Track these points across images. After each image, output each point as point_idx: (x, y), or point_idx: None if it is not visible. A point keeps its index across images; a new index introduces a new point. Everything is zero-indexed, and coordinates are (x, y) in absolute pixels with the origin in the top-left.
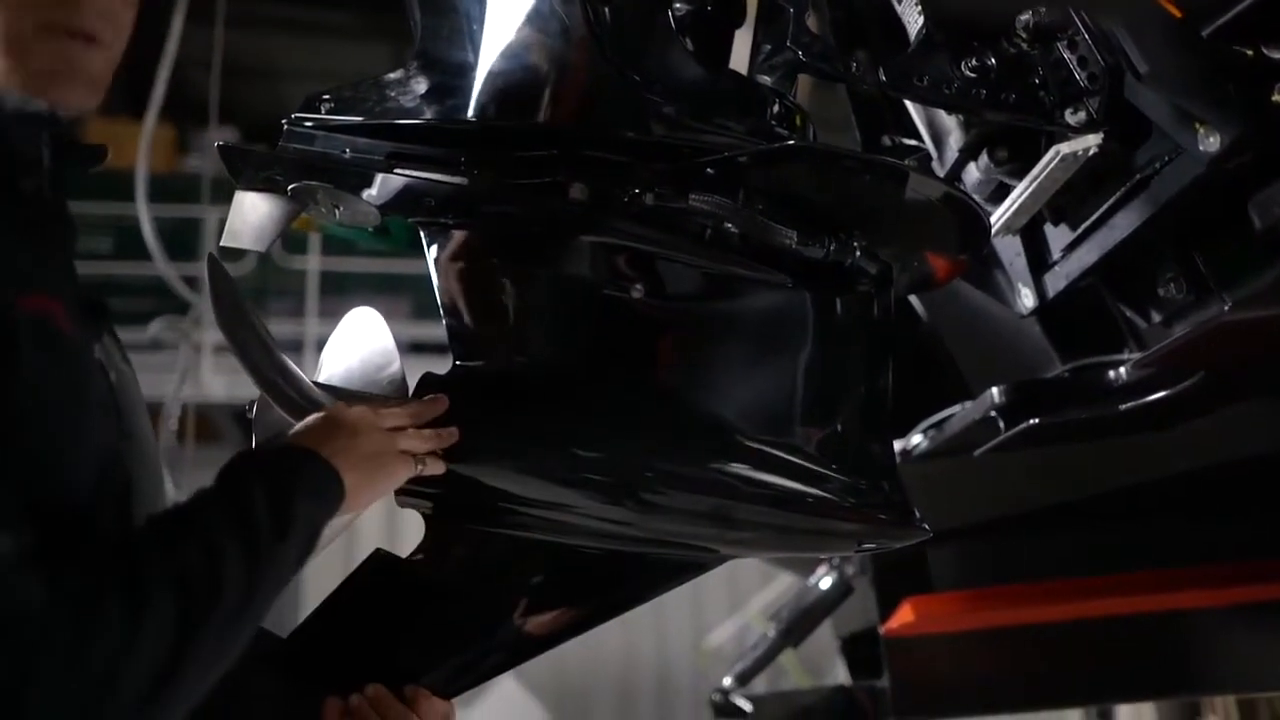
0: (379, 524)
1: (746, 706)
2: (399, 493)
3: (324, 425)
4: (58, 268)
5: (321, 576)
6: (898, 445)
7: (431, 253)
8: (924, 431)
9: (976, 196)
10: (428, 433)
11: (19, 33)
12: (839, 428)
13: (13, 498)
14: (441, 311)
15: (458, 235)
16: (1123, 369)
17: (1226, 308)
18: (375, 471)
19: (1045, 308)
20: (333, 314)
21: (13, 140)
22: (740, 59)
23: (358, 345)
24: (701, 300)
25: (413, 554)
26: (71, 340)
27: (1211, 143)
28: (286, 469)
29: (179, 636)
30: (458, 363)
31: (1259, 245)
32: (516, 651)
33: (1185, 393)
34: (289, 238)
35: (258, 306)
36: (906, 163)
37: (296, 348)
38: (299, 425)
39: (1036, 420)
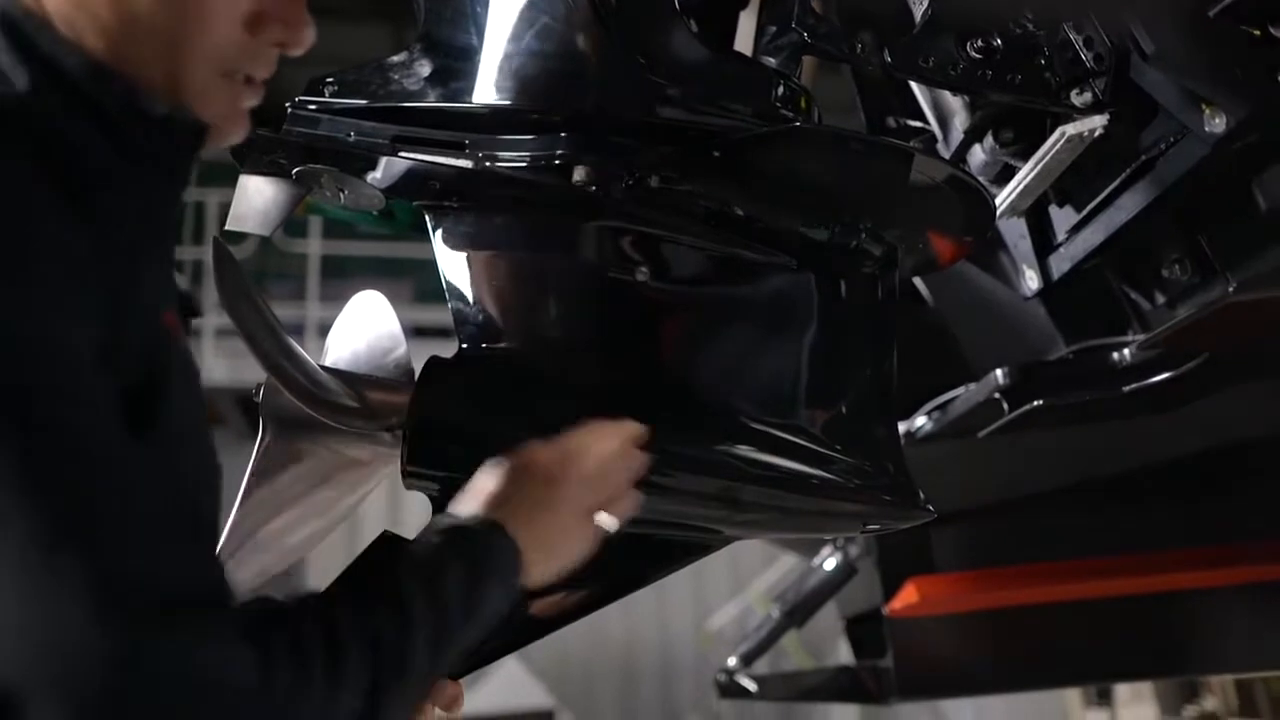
0: (382, 506)
1: (751, 687)
2: (405, 474)
3: (518, 484)
4: (169, 275)
5: (326, 559)
6: (902, 427)
7: (437, 236)
8: (929, 413)
9: (982, 178)
10: (622, 483)
11: (198, 81)
12: (844, 409)
13: (203, 555)
14: (447, 295)
15: (463, 218)
16: (1127, 351)
17: (1231, 289)
18: (558, 550)
19: (1050, 290)
20: (334, 298)
21: (157, 149)
22: (745, 41)
23: (363, 329)
24: (706, 282)
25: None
26: (190, 358)
27: (1218, 124)
28: (482, 548)
29: (368, 706)
30: (464, 346)
31: (1264, 226)
32: (521, 633)
33: (1189, 374)
34: (290, 221)
35: (259, 290)
36: (911, 144)
37: (298, 331)
38: (494, 477)
39: (1040, 402)
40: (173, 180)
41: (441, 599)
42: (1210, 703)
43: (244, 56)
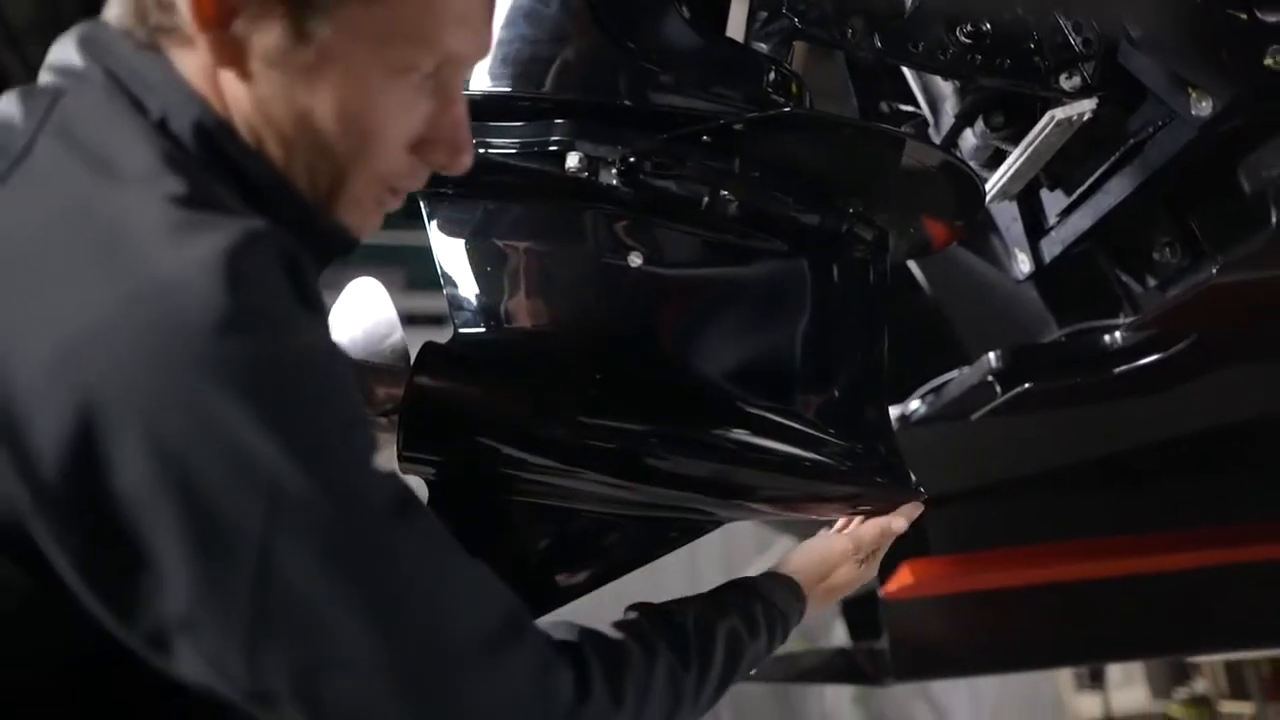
0: None
1: None
2: (401, 459)
3: (819, 578)
4: None
5: None
6: (896, 410)
7: (431, 222)
8: (922, 397)
9: (973, 162)
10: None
11: (355, 193)
12: (836, 392)
13: (497, 587)
14: (441, 281)
15: (457, 204)
16: (1118, 333)
17: (1214, 270)
18: (830, 603)
19: (1042, 273)
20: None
21: (322, 254)
22: (737, 27)
23: (360, 316)
24: (699, 267)
25: None
26: None
27: (1204, 107)
28: (785, 622)
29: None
30: (459, 331)
31: (1247, 209)
32: None
33: (1177, 357)
34: None
35: None
36: (903, 129)
37: None
38: (809, 559)
39: (1030, 385)
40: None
41: (741, 654)
42: (1201, 685)
43: (403, 175)
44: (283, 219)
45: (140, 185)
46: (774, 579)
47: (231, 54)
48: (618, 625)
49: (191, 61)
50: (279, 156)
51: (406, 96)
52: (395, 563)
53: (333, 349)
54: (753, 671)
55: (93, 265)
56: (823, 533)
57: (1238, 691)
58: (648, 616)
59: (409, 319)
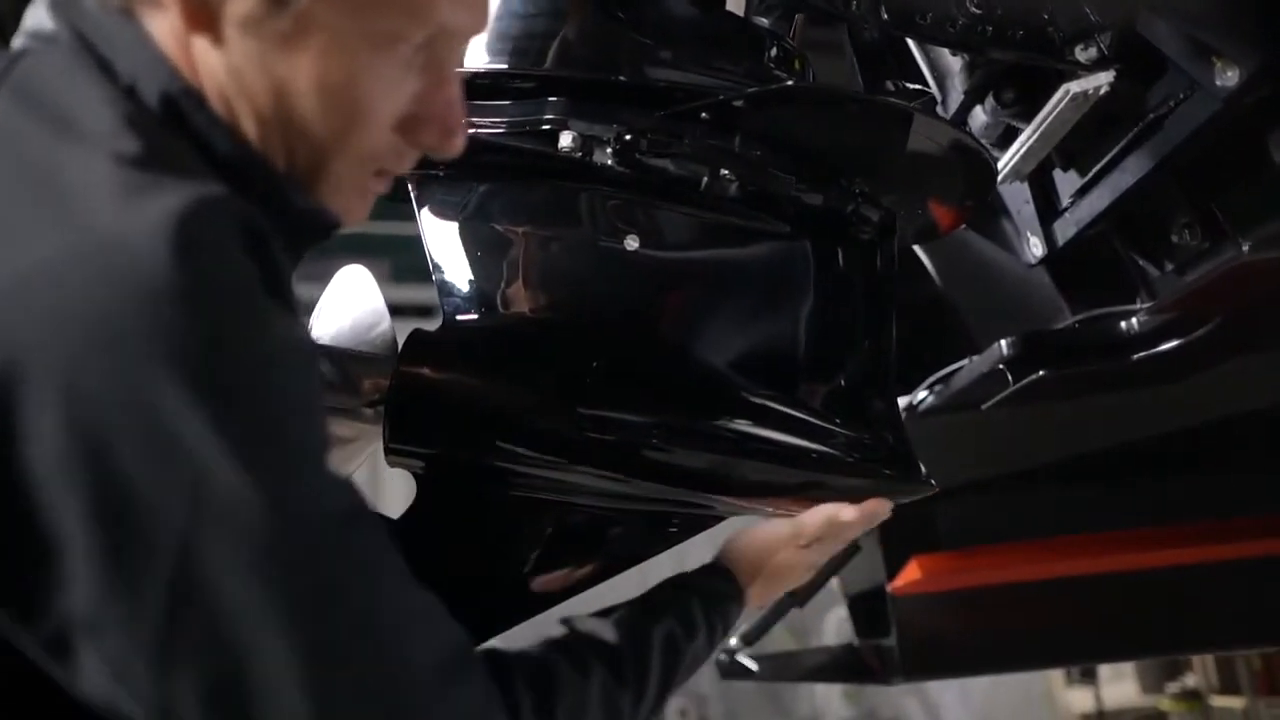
0: (362, 484)
1: (753, 667)
2: (388, 451)
3: (758, 566)
4: None
5: None
6: (905, 400)
7: (419, 205)
8: (930, 386)
9: (984, 140)
10: (829, 545)
11: (338, 174)
12: (842, 381)
13: (438, 611)
14: (430, 266)
15: (446, 186)
16: (1135, 319)
17: (1246, 249)
18: (773, 595)
19: (1055, 257)
20: (313, 276)
21: (290, 239)
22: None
23: (348, 305)
24: (698, 250)
25: (402, 516)
26: None
27: (1230, 77)
28: (724, 616)
29: None
30: (448, 318)
31: (1271, 185)
32: (505, 616)
33: (1199, 341)
34: None
35: None
36: (910, 106)
37: None
38: (747, 545)
39: (1043, 373)
40: (294, 269)
41: (679, 658)
42: (1192, 679)
43: (389, 156)
44: (253, 196)
45: (96, 143)
46: (712, 572)
47: (203, 18)
48: (549, 644)
49: (164, 27)
50: (254, 131)
51: (394, 71)
52: (333, 581)
53: (292, 337)
54: (695, 670)
55: (36, 219)
56: (765, 520)
57: (1229, 686)
58: (578, 633)
59: (395, 310)
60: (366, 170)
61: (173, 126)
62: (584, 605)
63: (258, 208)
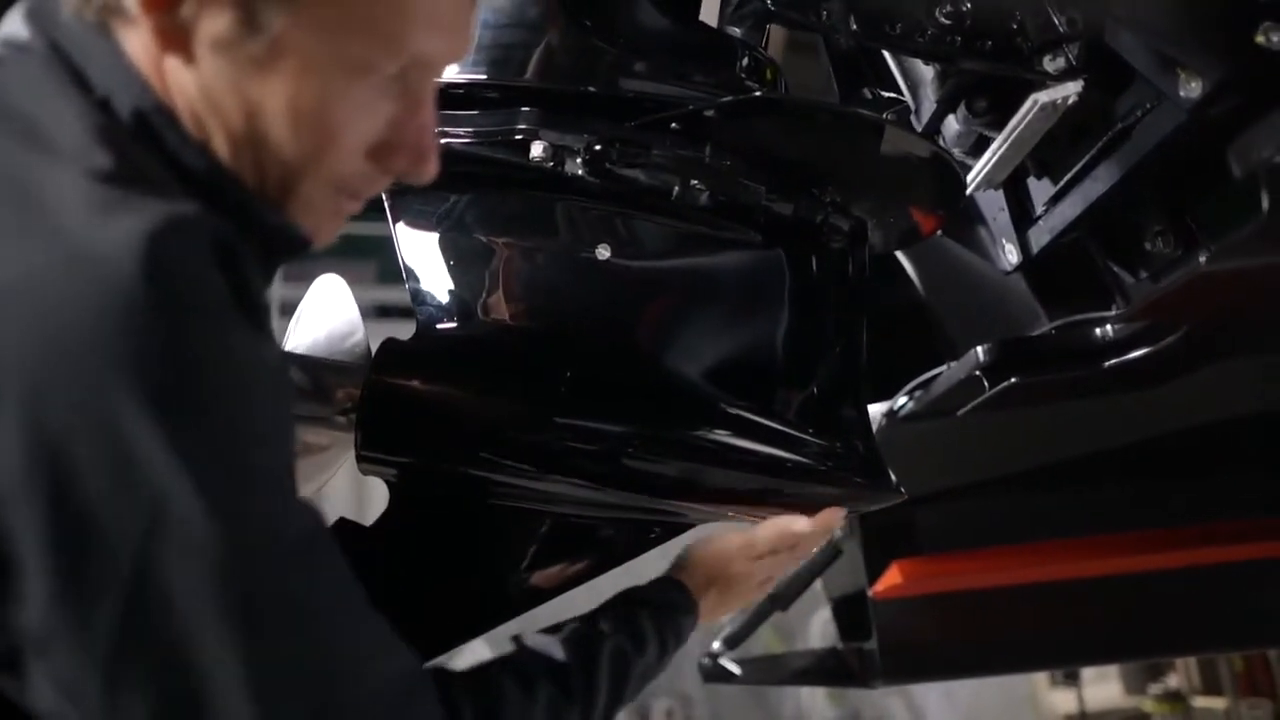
0: (344, 491)
1: (735, 670)
2: (360, 459)
3: (711, 579)
4: None
5: None
6: (885, 406)
7: (393, 214)
8: (910, 392)
9: (957, 149)
10: (785, 557)
11: (308, 194)
12: (814, 389)
13: (388, 634)
14: (404, 275)
15: (420, 196)
16: (1109, 326)
17: (1203, 260)
18: (728, 608)
19: (1032, 264)
20: (298, 277)
21: (263, 256)
22: (710, 10)
23: (324, 314)
24: (670, 259)
25: (376, 523)
26: None
27: (1193, 88)
28: (676, 629)
29: None
30: (421, 327)
31: (1238, 194)
32: (485, 618)
33: (1166, 350)
34: None
35: None
36: (884, 116)
37: None
38: (700, 558)
39: (1016, 379)
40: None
41: (628, 673)
42: (1174, 680)
43: (361, 180)
44: (224, 213)
45: (68, 157)
46: (665, 585)
47: (177, 39)
48: (496, 662)
49: (136, 42)
50: (225, 150)
51: (367, 97)
52: (289, 605)
53: (261, 355)
54: (647, 682)
55: (5, 233)
56: (719, 531)
57: (1211, 687)
58: (526, 650)
59: (382, 311)
60: (338, 193)
61: (145, 142)
62: (553, 611)
63: (229, 224)
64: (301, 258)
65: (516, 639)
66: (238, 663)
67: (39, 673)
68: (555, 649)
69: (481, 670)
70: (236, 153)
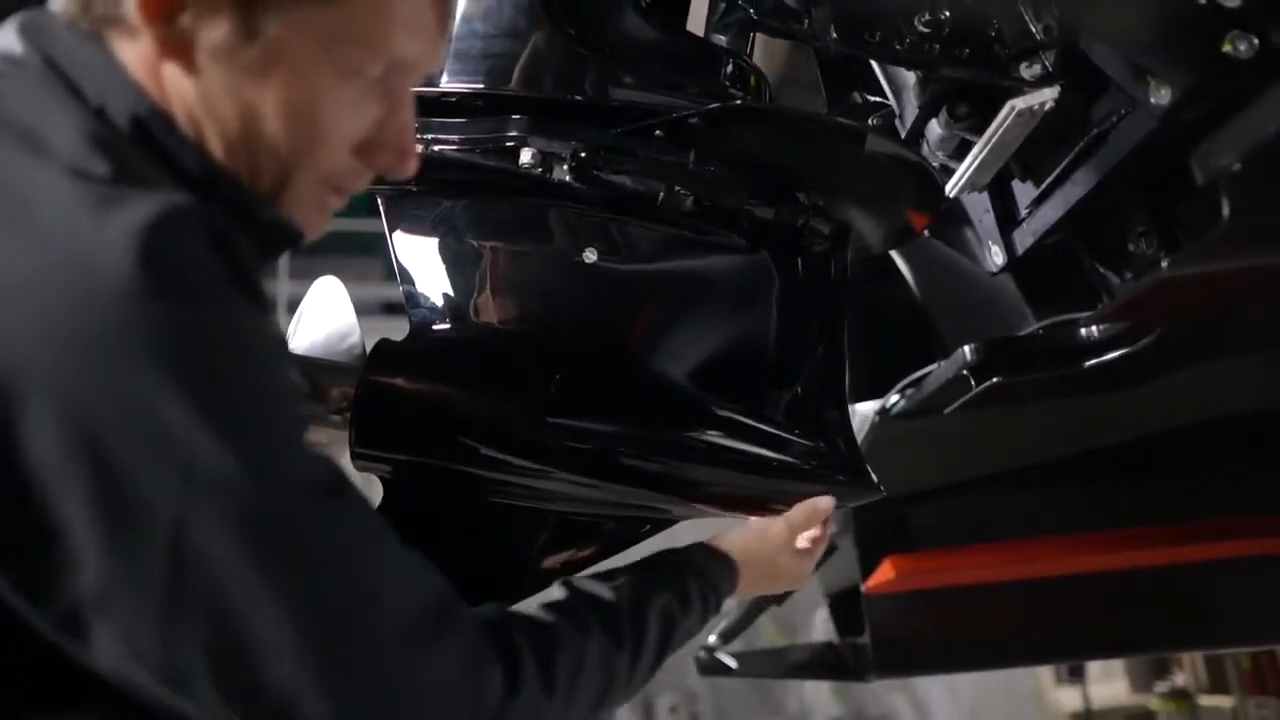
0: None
1: (731, 663)
2: (354, 456)
3: (761, 554)
4: None
5: None
6: (877, 404)
7: (389, 220)
8: (902, 390)
9: (940, 154)
10: (821, 536)
11: (303, 190)
12: (797, 390)
13: (420, 566)
14: (398, 278)
15: (413, 201)
16: (1093, 327)
17: (1165, 265)
18: (761, 588)
19: (1019, 264)
20: (304, 275)
21: (259, 251)
22: (697, 18)
23: (323, 316)
24: (655, 263)
25: None
26: None
27: (1163, 95)
28: (717, 597)
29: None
30: (414, 329)
31: (1201, 200)
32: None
33: (1141, 351)
34: None
35: None
36: (870, 121)
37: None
38: (750, 530)
39: (999, 379)
40: (264, 276)
41: (674, 631)
42: (1181, 678)
43: (347, 176)
44: (221, 208)
45: (65, 162)
46: (709, 551)
47: (177, 47)
48: (549, 606)
49: (133, 52)
50: (221, 151)
51: (354, 98)
52: (318, 545)
53: (262, 326)
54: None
55: (7, 236)
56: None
57: (1218, 685)
58: (579, 594)
59: (386, 308)
60: (326, 189)
61: (142, 146)
62: None
63: (225, 216)
64: (294, 251)
65: (566, 583)
66: (275, 604)
67: (101, 630)
68: (607, 595)
69: (533, 610)
70: (232, 153)
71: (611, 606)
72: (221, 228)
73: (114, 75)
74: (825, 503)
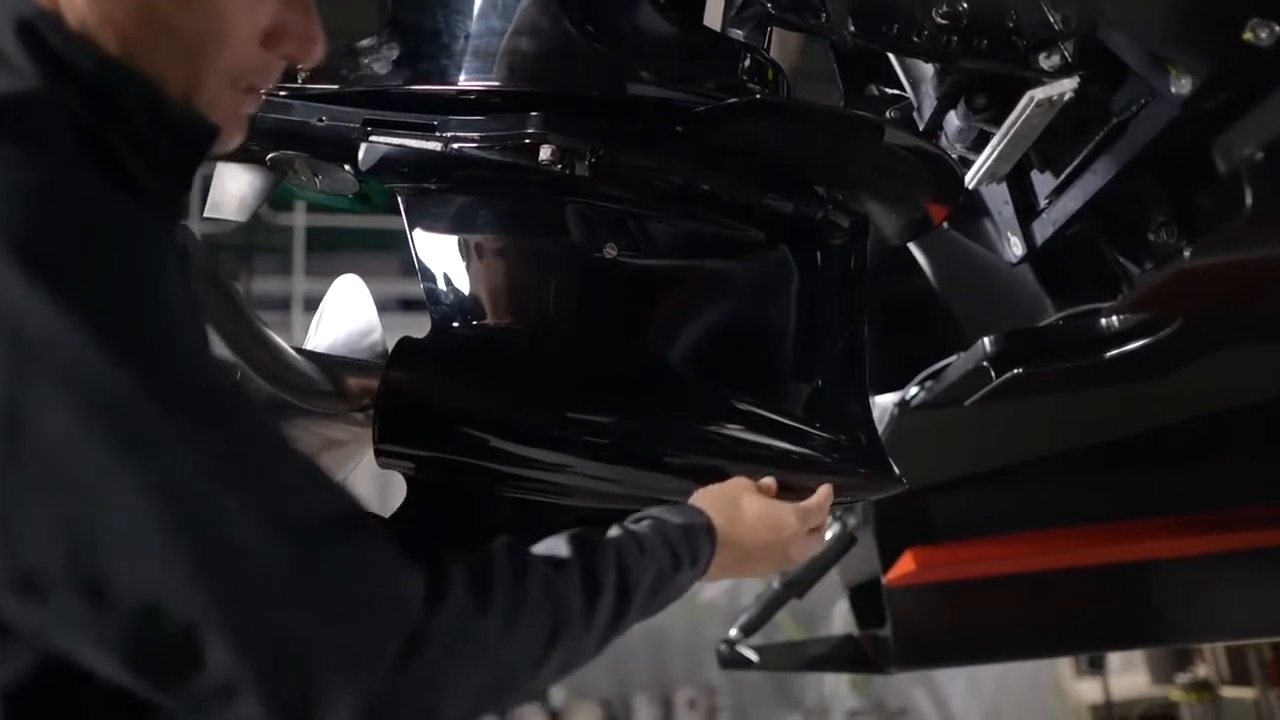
0: (366, 484)
1: (752, 657)
2: (378, 453)
3: (750, 519)
4: None
5: None
6: (896, 396)
7: (408, 216)
8: (922, 382)
9: (959, 145)
10: (809, 541)
11: (210, 90)
12: (818, 383)
13: (335, 485)
14: (419, 275)
15: (433, 199)
16: (1113, 317)
17: (1186, 255)
18: (744, 570)
19: (1036, 255)
20: (320, 272)
21: (172, 149)
22: (715, 14)
23: (344, 314)
24: (675, 258)
25: (394, 514)
26: None
27: (1183, 84)
28: (693, 551)
29: (541, 654)
30: (436, 325)
31: (1224, 189)
32: None
33: (1162, 342)
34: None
35: (245, 264)
36: (888, 114)
37: (284, 305)
38: (740, 498)
39: (1020, 370)
40: (182, 183)
41: (635, 581)
42: (1203, 670)
43: (256, 69)
44: (127, 109)
45: None
46: (679, 505)
47: None
48: (488, 543)
49: None
50: (117, 48)
51: None
52: (197, 431)
53: (129, 213)
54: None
55: None
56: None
57: (1240, 677)
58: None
59: (405, 304)
60: (237, 87)
61: (31, 51)
62: None
63: (133, 118)
64: (212, 149)
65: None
66: (136, 490)
67: None
68: (552, 540)
69: (476, 544)
70: (129, 51)
71: (555, 544)
72: (83, 121)
73: None
74: (828, 491)
